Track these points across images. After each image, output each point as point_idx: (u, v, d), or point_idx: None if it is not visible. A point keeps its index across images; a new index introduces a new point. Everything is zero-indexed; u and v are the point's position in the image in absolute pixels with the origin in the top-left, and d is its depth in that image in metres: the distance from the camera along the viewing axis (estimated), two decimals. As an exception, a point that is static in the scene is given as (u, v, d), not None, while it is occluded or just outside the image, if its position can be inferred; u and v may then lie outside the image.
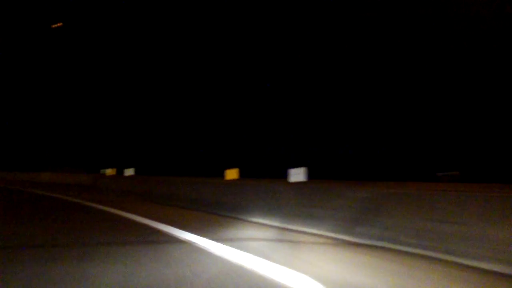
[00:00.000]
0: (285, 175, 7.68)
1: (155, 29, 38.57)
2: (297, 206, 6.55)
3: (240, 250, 4.71)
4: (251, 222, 7.15)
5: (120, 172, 23.39)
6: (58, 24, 38.75)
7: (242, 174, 9.63)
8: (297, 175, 6.86)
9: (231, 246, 4.92)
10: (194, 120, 36.90)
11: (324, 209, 6.06)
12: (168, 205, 9.92)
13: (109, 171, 23.97)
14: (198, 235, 5.58)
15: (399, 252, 4.79)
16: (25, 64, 45.78)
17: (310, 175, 7.46)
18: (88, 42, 43.49)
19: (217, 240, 5.30)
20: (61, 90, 45.96)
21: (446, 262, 4.28)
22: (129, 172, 20.89)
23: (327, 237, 5.74)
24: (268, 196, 7.22)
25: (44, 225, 6.76)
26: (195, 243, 5.15)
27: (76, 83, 45.32)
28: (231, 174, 9.04)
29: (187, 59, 37.18)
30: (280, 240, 5.69)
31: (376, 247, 5.07)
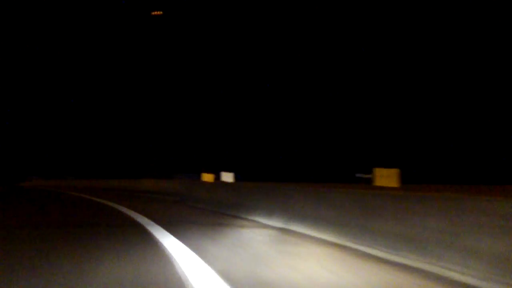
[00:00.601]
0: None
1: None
2: None
3: None
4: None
5: (217, 177, 20.80)
6: (158, 12, 38.36)
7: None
8: None
9: None
10: (309, 114, 33.68)
11: None
12: (285, 231, 6.63)
13: (207, 177, 21.16)
14: None
15: None
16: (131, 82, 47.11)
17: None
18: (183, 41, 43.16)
19: None
20: (161, 96, 46.46)
21: None
22: (227, 177, 18.18)
23: None
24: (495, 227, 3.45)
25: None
26: None
27: (179, 89, 45.45)
28: (385, 178, 5.33)
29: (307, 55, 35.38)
30: None
31: None
